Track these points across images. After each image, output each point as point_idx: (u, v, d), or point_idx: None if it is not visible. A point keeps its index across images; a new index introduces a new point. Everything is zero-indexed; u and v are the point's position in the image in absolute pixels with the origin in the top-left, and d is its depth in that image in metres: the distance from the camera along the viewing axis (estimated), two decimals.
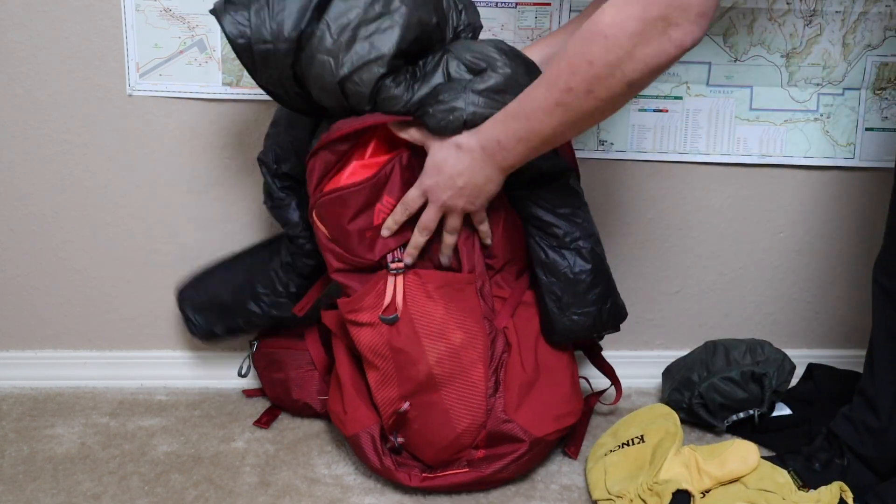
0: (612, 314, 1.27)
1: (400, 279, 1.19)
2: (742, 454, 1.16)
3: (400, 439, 1.22)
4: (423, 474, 1.22)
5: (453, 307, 1.20)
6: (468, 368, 1.20)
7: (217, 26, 1.39)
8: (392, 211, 1.18)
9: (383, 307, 1.19)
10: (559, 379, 1.26)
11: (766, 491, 1.13)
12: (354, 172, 1.18)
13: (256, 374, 1.47)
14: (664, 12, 0.95)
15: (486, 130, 1.10)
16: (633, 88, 1.01)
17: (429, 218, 1.17)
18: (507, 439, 1.20)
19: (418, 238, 1.18)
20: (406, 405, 1.19)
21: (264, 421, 1.40)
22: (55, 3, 1.37)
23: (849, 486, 1.17)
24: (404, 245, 1.20)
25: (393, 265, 1.19)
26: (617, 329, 1.30)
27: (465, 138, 1.11)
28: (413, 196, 1.17)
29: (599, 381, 1.44)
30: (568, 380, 1.28)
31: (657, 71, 0.99)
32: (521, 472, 1.24)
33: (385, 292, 1.19)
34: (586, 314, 1.24)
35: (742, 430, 1.40)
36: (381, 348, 1.20)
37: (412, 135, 1.15)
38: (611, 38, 0.97)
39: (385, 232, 1.19)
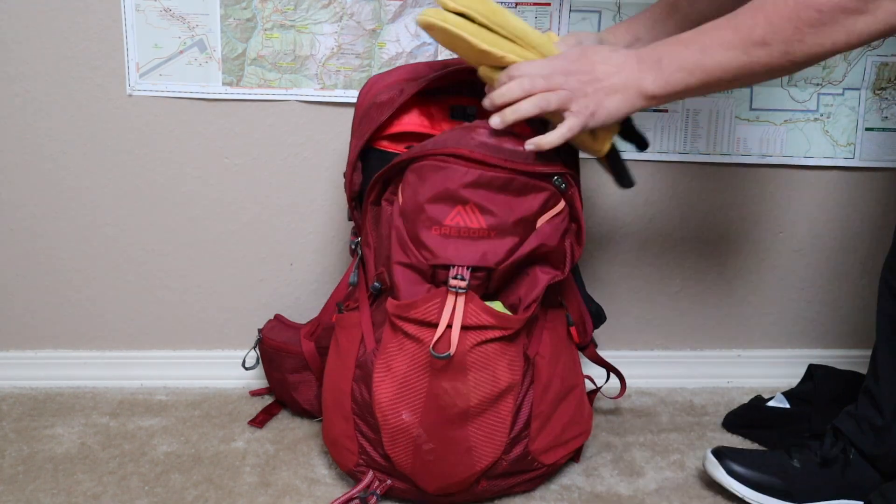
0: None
1: (461, 301, 1.09)
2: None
3: (387, 484, 1.17)
4: None
5: (509, 347, 1.13)
6: (500, 402, 1.14)
7: (217, 26, 1.39)
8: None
9: (436, 336, 1.09)
10: (573, 399, 1.23)
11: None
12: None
13: (262, 366, 1.46)
14: None
15: (651, 48, 1.03)
16: (832, 55, 0.95)
17: (534, 101, 1.02)
18: (519, 472, 1.19)
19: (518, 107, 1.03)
20: (423, 437, 1.13)
21: (259, 420, 1.40)
22: (55, 3, 1.37)
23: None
24: (472, 268, 1.09)
25: (454, 282, 1.08)
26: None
27: (620, 49, 1.05)
28: (523, 85, 1.02)
29: (599, 380, 1.44)
30: (581, 397, 1.26)
31: (865, 43, 0.94)
32: (528, 489, 1.24)
33: (440, 311, 1.09)
34: None
35: (741, 421, 1.40)
36: (417, 372, 1.12)
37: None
38: (826, 13, 0.92)
39: (486, 102, 1.05)
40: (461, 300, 1.09)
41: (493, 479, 1.17)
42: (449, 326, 1.09)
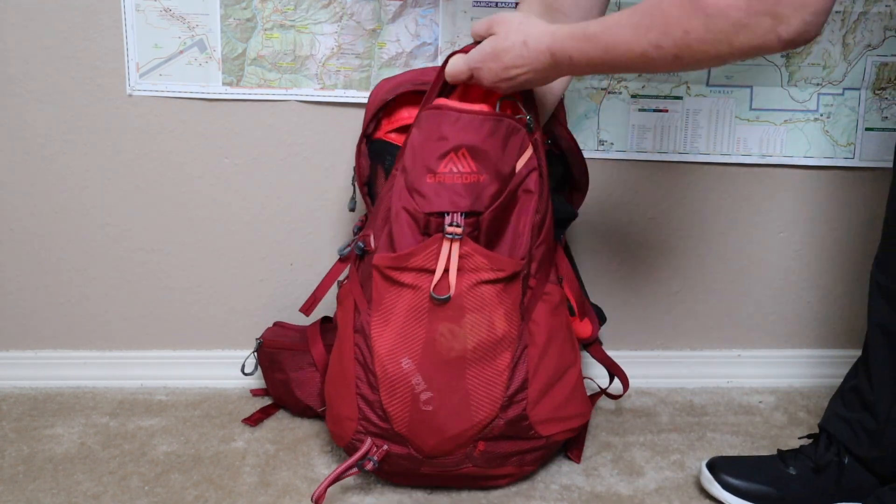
0: None
1: (455, 247, 1.16)
2: None
3: (383, 449, 1.19)
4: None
5: (505, 296, 1.18)
6: (497, 354, 1.17)
7: (217, 26, 1.39)
8: (461, 163, 1.17)
9: (434, 279, 1.15)
10: (572, 376, 1.25)
11: None
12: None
13: (261, 372, 1.46)
14: (772, 9, 0.87)
15: (562, 43, 1.07)
16: (724, 63, 0.97)
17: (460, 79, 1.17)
18: (516, 437, 1.20)
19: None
20: (422, 385, 1.16)
21: (254, 419, 1.40)
22: (55, 3, 1.38)
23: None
24: (467, 213, 1.16)
25: (450, 228, 1.15)
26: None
27: (535, 38, 1.09)
28: (459, 69, 1.16)
29: (603, 381, 1.44)
30: (579, 379, 1.27)
31: (756, 56, 0.95)
32: (525, 471, 1.24)
33: (437, 257, 1.16)
34: None
35: None
36: (415, 319, 1.17)
37: (477, 28, 1.15)
38: (711, 18, 0.91)
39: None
40: (456, 246, 1.16)
41: (490, 441, 1.19)
42: (446, 271, 1.16)
